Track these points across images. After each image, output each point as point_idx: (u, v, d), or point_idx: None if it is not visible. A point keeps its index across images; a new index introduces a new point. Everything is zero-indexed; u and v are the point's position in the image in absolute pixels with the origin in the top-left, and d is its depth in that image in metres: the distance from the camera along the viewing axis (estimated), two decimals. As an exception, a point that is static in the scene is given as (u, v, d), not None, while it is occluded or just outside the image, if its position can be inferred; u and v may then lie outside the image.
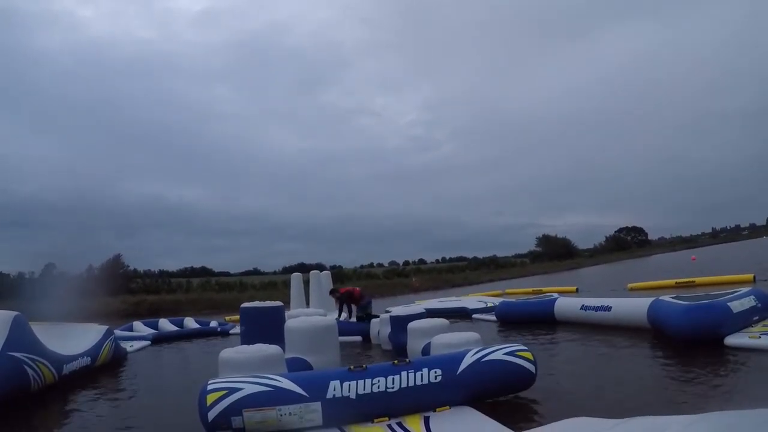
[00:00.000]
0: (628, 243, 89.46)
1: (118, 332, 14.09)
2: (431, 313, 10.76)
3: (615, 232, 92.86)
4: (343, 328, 10.36)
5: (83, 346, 10.28)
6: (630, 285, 19.73)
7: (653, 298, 9.70)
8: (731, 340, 7.53)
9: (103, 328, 11.53)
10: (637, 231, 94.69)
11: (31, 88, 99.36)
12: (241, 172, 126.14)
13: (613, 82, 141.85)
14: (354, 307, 14.42)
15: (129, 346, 13.66)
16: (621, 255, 70.18)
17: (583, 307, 11.56)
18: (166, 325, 18.62)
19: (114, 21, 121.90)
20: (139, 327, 18.03)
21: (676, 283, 18.34)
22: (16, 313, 8.12)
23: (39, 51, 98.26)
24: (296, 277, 19.67)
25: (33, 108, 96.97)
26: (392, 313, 10.23)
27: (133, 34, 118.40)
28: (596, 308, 11.13)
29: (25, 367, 7.81)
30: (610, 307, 10.74)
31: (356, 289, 16.06)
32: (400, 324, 9.35)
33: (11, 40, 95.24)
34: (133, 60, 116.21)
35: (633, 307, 10.19)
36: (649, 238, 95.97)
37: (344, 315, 14.29)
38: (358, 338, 12.76)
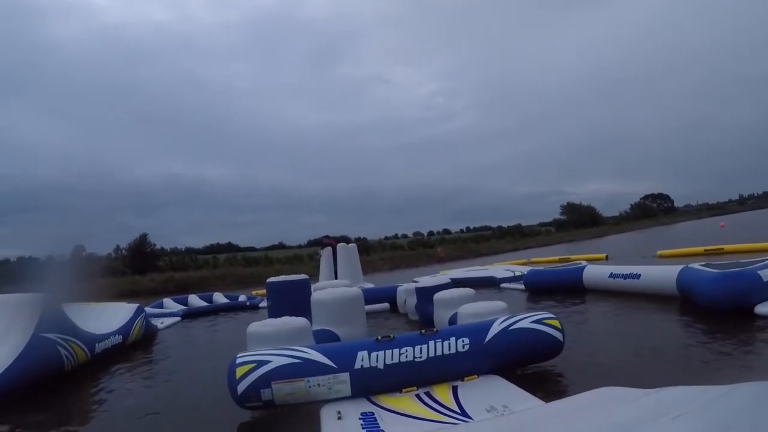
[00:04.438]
0: (654, 210, 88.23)
1: (148, 309, 14.28)
2: (458, 282, 10.74)
3: (640, 199, 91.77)
4: (369, 297, 10.37)
5: (114, 325, 10.44)
6: (659, 252, 19.53)
7: (682, 266, 9.58)
8: (761, 308, 7.40)
9: (134, 306, 11.68)
10: (663, 198, 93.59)
11: (48, 74, 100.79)
12: (260, 147, 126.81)
13: (635, 44, 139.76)
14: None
15: (160, 323, 13.81)
16: (647, 222, 69.29)
17: (612, 275, 11.45)
18: (195, 300, 18.80)
19: (129, 6, 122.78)
20: (170, 303, 18.26)
21: (705, 250, 18.11)
22: (48, 294, 8.23)
23: (56, 39, 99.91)
24: (327, 250, 19.71)
25: (51, 93, 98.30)
26: (418, 284, 10.21)
27: (148, 18, 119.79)
28: (625, 276, 11.02)
29: (58, 347, 7.94)
30: (639, 275, 10.63)
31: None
32: (426, 295, 9.34)
33: (29, 29, 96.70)
34: (150, 43, 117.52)
35: (662, 274, 10.07)
36: (676, 205, 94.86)
37: None
38: (386, 305, 12.82)
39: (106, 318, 10.81)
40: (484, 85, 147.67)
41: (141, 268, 40.96)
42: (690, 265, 9.36)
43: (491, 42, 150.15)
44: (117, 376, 8.19)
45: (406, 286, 11.62)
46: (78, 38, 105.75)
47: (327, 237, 21.69)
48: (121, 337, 10.26)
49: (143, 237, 47.86)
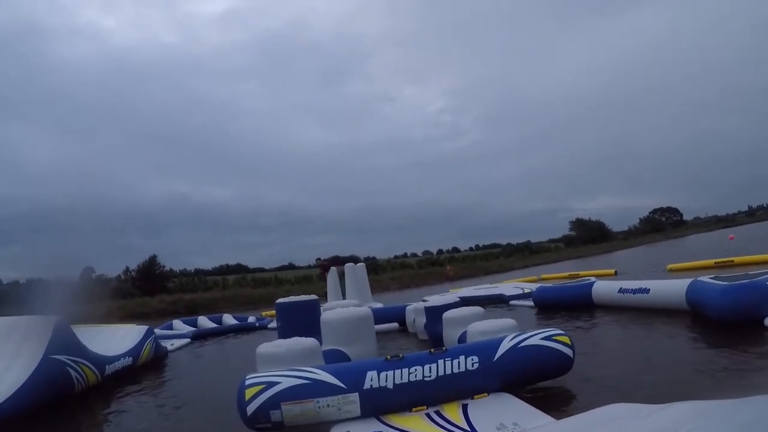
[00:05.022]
0: (663, 224, 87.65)
1: (158, 331, 14.29)
2: (468, 301, 10.73)
3: (649, 213, 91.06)
4: (378, 317, 10.35)
5: (125, 347, 10.46)
6: (669, 266, 19.43)
7: (691, 279, 9.55)
8: (771, 320, 7.36)
9: (144, 327, 11.70)
10: (672, 211, 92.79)
11: (56, 95, 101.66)
12: (267, 167, 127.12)
13: (641, 58, 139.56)
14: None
15: (169, 345, 13.84)
16: (656, 237, 68.80)
17: (621, 290, 11.40)
18: (205, 322, 18.81)
19: (137, 29, 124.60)
20: (179, 325, 18.25)
21: (715, 263, 18.03)
22: (57, 317, 8.28)
23: (65, 61, 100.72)
24: (332, 271, 19.68)
25: (58, 114, 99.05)
26: (427, 304, 10.20)
27: (156, 40, 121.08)
28: (634, 291, 10.96)
29: (68, 369, 7.98)
30: (649, 290, 10.57)
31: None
32: (435, 314, 9.33)
33: (37, 52, 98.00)
34: (158, 64, 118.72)
35: (671, 288, 10.01)
36: (684, 218, 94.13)
37: None
38: (395, 325, 12.80)
39: (116, 340, 10.83)
40: (491, 102, 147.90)
41: (150, 289, 40.99)
42: (699, 278, 9.33)
43: (497, 59, 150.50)
44: (127, 398, 8.21)
45: (415, 305, 11.61)
46: (86, 60, 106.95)
47: (320, 259, 22.04)
48: (131, 359, 10.28)
49: (152, 258, 47.98)
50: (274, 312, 11.35)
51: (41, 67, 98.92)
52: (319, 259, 21.13)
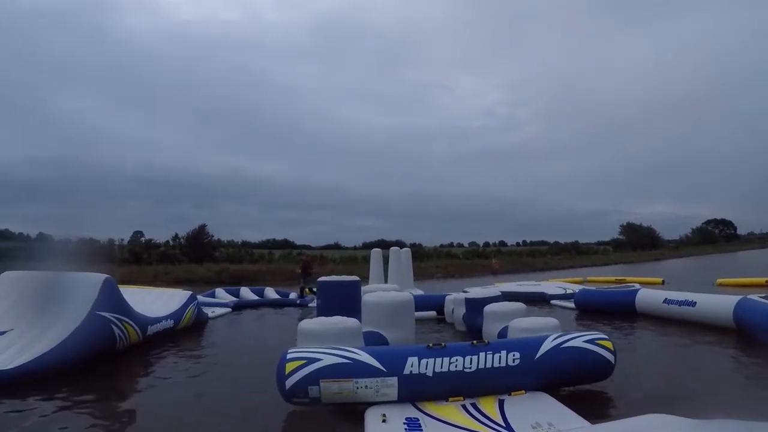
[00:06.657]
0: (716, 237, 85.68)
1: (201, 298, 14.54)
2: (509, 296, 10.68)
3: (702, 224, 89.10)
4: (417, 303, 10.42)
5: (167, 310, 10.75)
6: (719, 280, 19.03)
7: (740, 297, 9.33)
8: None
9: (187, 293, 11.97)
10: (726, 224, 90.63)
11: (120, 67, 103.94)
12: (320, 147, 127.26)
13: (707, 61, 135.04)
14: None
15: (210, 312, 14.08)
16: (707, 249, 67.20)
17: (666, 301, 11.21)
18: (247, 293, 19.03)
19: (199, 4, 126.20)
20: (222, 294, 18.50)
21: (766, 281, 17.57)
22: (106, 275, 8.55)
23: (128, 34, 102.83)
24: (376, 253, 19.67)
25: (121, 86, 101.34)
26: (468, 295, 10.18)
27: (217, 17, 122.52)
28: (680, 302, 10.77)
29: (113, 326, 8.27)
30: (695, 303, 10.37)
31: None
32: (475, 306, 9.32)
33: (102, 23, 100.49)
34: (218, 41, 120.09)
35: (719, 304, 9.81)
36: (738, 232, 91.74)
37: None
38: (432, 313, 12.82)
39: (160, 303, 11.11)
40: (550, 97, 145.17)
41: (198, 257, 41.63)
42: (748, 296, 9.12)
43: (557, 54, 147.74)
44: (166, 360, 8.44)
45: (455, 295, 11.59)
46: (149, 34, 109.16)
47: (301, 255, 22.81)
48: (172, 321, 10.56)
49: (202, 227, 48.63)
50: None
51: (106, 37, 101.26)
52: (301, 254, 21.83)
